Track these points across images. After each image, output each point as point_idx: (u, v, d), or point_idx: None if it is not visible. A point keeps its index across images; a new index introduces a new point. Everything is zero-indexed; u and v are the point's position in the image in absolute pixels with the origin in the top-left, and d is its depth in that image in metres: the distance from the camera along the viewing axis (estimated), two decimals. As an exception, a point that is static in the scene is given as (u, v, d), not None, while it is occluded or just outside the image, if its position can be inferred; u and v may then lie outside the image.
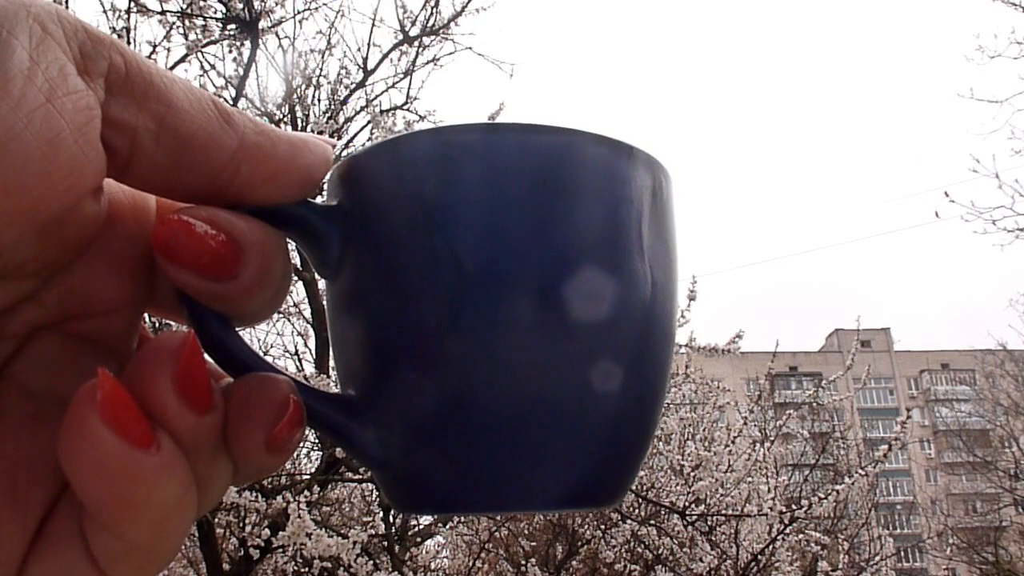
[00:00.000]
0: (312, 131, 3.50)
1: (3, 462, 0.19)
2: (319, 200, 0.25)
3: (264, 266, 0.22)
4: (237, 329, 0.24)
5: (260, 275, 0.22)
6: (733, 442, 5.17)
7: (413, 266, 0.23)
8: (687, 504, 4.37)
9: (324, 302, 0.27)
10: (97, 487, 0.18)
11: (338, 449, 3.75)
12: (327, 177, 0.25)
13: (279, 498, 3.16)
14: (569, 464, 0.23)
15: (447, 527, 4.78)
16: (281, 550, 3.44)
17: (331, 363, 4.69)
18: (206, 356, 0.22)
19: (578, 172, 0.24)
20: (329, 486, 4.34)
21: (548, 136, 0.23)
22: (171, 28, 3.17)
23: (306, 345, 4.74)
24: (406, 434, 0.24)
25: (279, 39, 3.79)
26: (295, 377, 0.23)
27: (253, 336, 4.83)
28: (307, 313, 4.42)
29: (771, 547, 4.72)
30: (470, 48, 4.15)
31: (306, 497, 3.06)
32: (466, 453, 0.23)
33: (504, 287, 0.22)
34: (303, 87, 3.77)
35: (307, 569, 3.45)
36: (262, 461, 0.22)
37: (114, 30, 3.00)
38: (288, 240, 0.24)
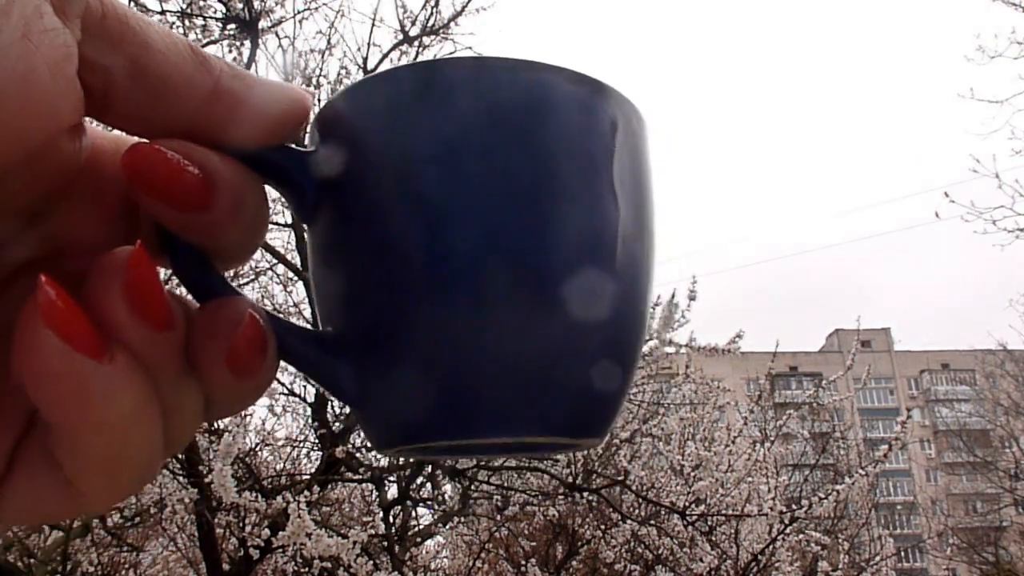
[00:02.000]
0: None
1: None
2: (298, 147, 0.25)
3: (236, 202, 0.22)
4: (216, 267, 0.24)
5: (232, 210, 0.22)
6: (733, 442, 5.16)
7: (385, 208, 0.24)
8: (687, 504, 4.37)
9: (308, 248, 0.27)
10: (49, 397, 0.18)
11: (338, 449, 3.75)
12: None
13: (279, 498, 3.16)
14: (544, 391, 0.23)
15: (447, 527, 4.78)
16: (281, 550, 3.44)
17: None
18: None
19: (551, 109, 0.24)
20: (329, 486, 4.34)
21: (523, 73, 0.24)
22: (171, 28, 3.17)
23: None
24: (380, 369, 0.24)
25: (279, 39, 3.79)
26: (271, 312, 0.24)
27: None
28: (307, 313, 4.42)
29: (771, 547, 4.72)
30: (470, 48, 4.15)
31: (306, 497, 3.06)
32: (441, 382, 0.23)
33: (476, 225, 0.23)
34: (303, 87, 3.76)
35: (307, 569, 3.45)
36: (228, 386, 0.22)
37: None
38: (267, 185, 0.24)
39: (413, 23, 4.12)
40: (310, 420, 4.54)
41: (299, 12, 3.78)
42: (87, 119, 0.21)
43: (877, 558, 7.20)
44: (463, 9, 4.13)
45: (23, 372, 0.18)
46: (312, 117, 0.25)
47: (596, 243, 0.24)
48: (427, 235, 0.23)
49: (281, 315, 0.26)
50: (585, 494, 4.27)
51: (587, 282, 0.24)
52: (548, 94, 0.24)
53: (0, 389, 0.20)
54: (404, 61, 4.12)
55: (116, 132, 0.22)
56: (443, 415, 0.23)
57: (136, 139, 0.22)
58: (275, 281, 4.41)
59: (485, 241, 0.23)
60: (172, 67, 0.21)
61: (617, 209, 0.25)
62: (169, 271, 0.24)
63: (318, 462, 4.18)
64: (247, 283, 4.26)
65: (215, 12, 3.34)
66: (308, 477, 4.00)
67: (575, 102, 0.24)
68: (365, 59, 4.05)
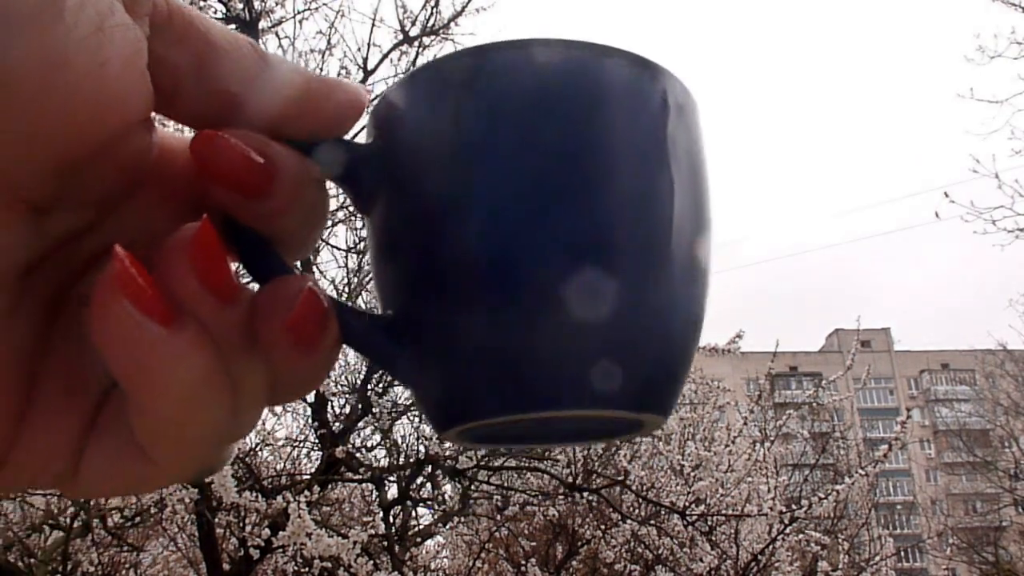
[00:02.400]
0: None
1: (60, 369, 0.21)
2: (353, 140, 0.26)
3: (297, 190, 0.23)
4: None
5: (293, 198, 0.23)
6: (733, 442, 5.17)
7: (441, 200, 0.24)
8: (687, 504, 4.37)
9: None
10: (123, 362, 0.20)
11: (338, 449, 3.75)
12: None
13: (279, 498, 3.16)
14: (616, 371, 0.24)
15: (447, 527, 4.78)
16: (281, 550, 3.44)
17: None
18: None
19: (607, 93, 0.24)
20: (329, 486, 4.34)
21: (575, 53, 0.24)
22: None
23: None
24: (438, 351, 0.24)
25: (279, 39, 3.79)
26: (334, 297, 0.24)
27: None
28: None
29: (771, 547, 4.72)
30: (470, 48, 4.14)
31: (306, 497, 3.06)
32: (497, 361, 0.23)
33: (532, 215, 0.23)
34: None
35: (307, 569, 3.45)
36: (291, 362, 0.22)
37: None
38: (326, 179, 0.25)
39: (413, 23, 4.12)
40: (310, 420, 4.55)
41: (299, 12, 3.78)
42: (157, 120, 0.22)
43: (877, 558, 7.21)
44: (463, 9, 4.13)
45: (99, 340, 0.19)
46: (368, 111, 0.26)
47: (654, 229, 0.24)
48: (484, 226, 0.23)
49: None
50: (585, 494, 4.27)
51: (645, 269, 0.24)
52: (603, 77, 0.24)
53: (81, 364, 0.22)
54: (404, 61, 4.13)
55: (186, 133, 0.23)
56: (499, 390, 0.24)
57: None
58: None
59: (542, 231, 0.23)
60: (232, 63, 0.22)
61: (674, 193, 0.25)
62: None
63: (318, 462, 4.18)
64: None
65: (215, 12, 3.34)
66: (308, 477, 4.00)
67: (630, 85, 0.24)
68: (365, 59, 4.05)
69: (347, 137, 0.25)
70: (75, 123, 0.19)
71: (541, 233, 0.23)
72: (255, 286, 0.24)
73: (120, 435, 0.21)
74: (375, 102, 0.26)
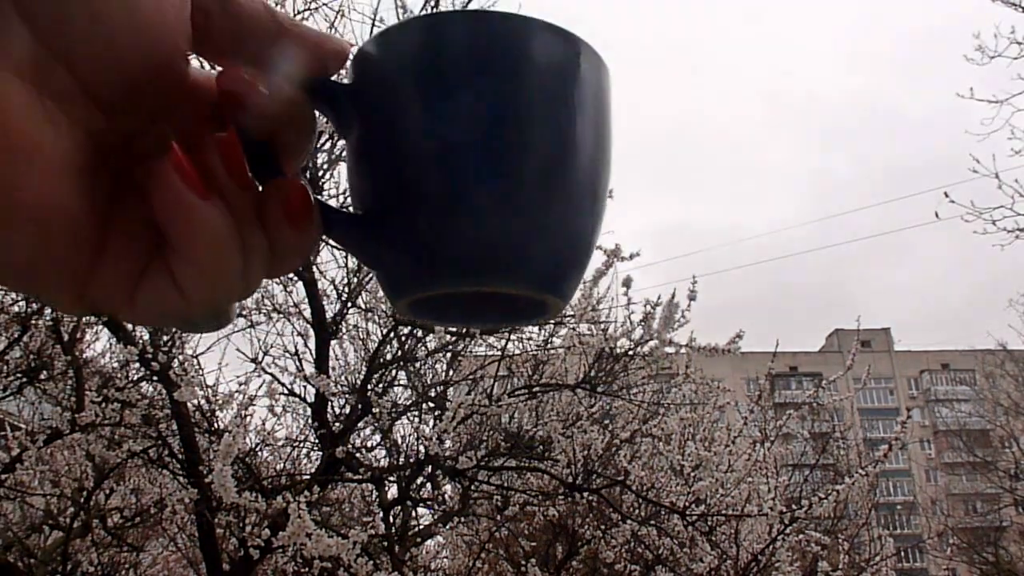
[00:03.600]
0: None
1: (125, 225, 0.29)
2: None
3: (292, 110, 0.31)
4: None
5: (289, 116, 0.31)
6: (733, 442, 5.16)
7: (399, 121, 0.32)
8: (687, 504, 4.37)
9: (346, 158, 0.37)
10: (173, 219, 0.28)
11: (338, 449, 3.75)
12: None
13: (279, 498, 3.16)
14: (525, 255, 0.32)
15: (447, 527, 4.78)
16: (281, 550, 3.43)
17: (331, 363, 4.69)
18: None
19: (530, 50, 0.32)
20: (329, 486, 4.34)
21: (503, 20, 0.32)
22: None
23: (306, 345, 4.73)
24: (392, 235, 0.32)
25: None
26: (317, 198, 0.32)
27: (253, 337, 4.82)
28: (307, 313, 4.42)
29: (771, 547, 4.72)
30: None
31: (306, 497, 3.06)
32: (436, 245, 0.31)
33: (469, 132, 0.31)
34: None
35: (307, 569, 3.45)
36: (286, 236, 0.30)
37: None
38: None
39: (413, 23, 4.11)
40: (310, 420, 4.54)
41: (299, 12, 3.78)
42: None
43: (877, 558, 7.20)
44: (463, 9, 4.13)
45: (157, 204, 0.28)
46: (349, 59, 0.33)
47: (556, 151, 0.32)
48: (428, 147, 0.31)
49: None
50: (585, 494, 4.27)
51: (547, 180, 0.32)
52: (525, 40, 0.32)
53: (138, 226, 0.29)
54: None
55: (205, 73, 0.31)
56: (434, 268, 0.32)
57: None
58: (275, 282, 4.41)
59: (469, 150, 0.31)
60: (251, 11, 0.30)
61: (575, 126, 0.32)
62: None
63: (318, 462, 4.18)
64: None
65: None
66: (308, 477, 4.00)
67: (547, 47, 0.32)
68: (365, 59, 4.04)
69: (333, 78, 0.33)
70: (143, 51, 0.27)
71: (468, 151, 0.31)
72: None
73: (164, 278, 0.29)
74: (355, 51, 0.34)
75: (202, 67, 0.32)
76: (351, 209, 0.35)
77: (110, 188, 0.29)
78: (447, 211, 0.31)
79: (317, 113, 0.33)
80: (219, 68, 0.31)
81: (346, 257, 4.28)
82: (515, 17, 0.32)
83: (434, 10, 4.08)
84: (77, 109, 0.27)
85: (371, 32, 5.07)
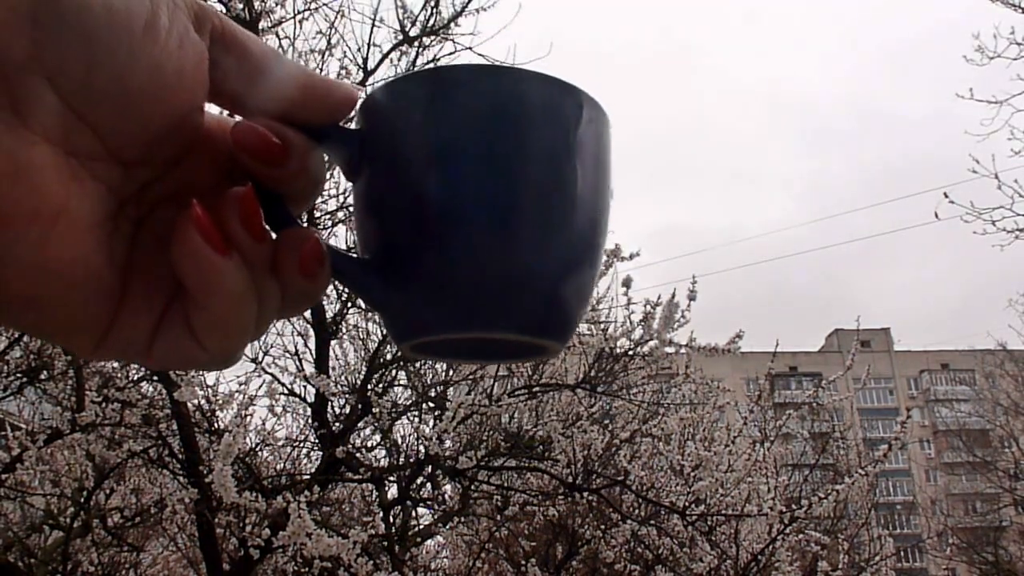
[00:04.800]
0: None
1: (142, 274, 0.30)
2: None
3: (303, 161, 0.32)
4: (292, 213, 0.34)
5: (301, 167, 0.32)
6: (733, 442, 5.16)
7: (407, 170, 0.33)
8: (687, 504, 4.37)
9: (353, 201, 0.37)
10: (194, 274, 0.29)
11: (338, 449, 3.75)
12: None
13: (279, 498, 3.16)
14: (524, 304, 0.33)
15: (447, 527, 4.78)
16: (281, 550, 3.44)
17: (331, 363, 4.69)
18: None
19: (532, 104, 0.33)
20: (329, 486, 4.34)
21: (507, 76, 0.33)
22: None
23: (306, 345, 4.73)
24: (399, 280, 0.33)
25: (279, 39, 3.79)
26: (329, 243, 0.34)
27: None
28: (307, 314, 4.42)
29: (771, 547, 4.72)
30: (470, 48, 4.15)
31: (306, 497, 3.06)
32: (442, 292, 0.32)
33: (472, 181, 0.32)
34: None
35: (307, 569, 3.45)
36: (298, 283, 0.32)
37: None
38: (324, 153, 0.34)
39: (413, 23, 4.12)
40: (310, 420, 4.54)
41: (299, 12, 3.78)
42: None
43: (877, 558, 7.20)
44: (463, 9, 4.13)
45: (177, 258, 0.29)
46: (358, 105, 0.35)
47: (558, 202, 0.33)
48: (434, 194, 0.32)
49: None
50: (585, 494, 4.27)
51: (548, 231, 0.33)
52: (529, 95, 0.33)
53: (156, 274, 0.31)
54: (404, 61, 4.13)
55: (216, 113, 0.32)
56: (448, 317, 0.33)
57: (235, 118, 0.32)
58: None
59: (475, 199, 0.32)
60: (264, 62, 0.32)
61: (576, 177, 0.33)
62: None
63: (318, 462, 4.18)
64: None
65: (215, 12, 3.33)
66: (308, 477, 4.00)
67: (551, 101, 0.33)
68: (365, 59, 4.05)
69: (342, 124, 0.34)
70: (165, 110, 0.29)
71: (474, 201, 0.32)
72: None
73: (181, 327, 0.31)
74: (364, 98, 0.35)
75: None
76: (355, 253, 0.36)
77: (128, 236, 0.30)
78: (451, 259, 0.32)
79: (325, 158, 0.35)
80: (234, 115, 0.32)
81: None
82: (520, 72, 0.33)
83: (435, 11, 4.08)
84: (99, 166, 0.28)
85: (371, 34, 5.07)
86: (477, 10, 4.15)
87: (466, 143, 0.32)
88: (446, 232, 0.32)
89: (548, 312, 0.34)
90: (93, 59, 0.26)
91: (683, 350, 4.72)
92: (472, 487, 4.45)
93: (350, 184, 0.37)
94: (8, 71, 0.25)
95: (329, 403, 4.34)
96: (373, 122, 0.34)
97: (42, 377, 4.10)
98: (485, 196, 0.32)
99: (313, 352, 4.37)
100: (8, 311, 0.28)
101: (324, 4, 3.85)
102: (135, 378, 4.10)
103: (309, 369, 4.30)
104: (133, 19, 0.27)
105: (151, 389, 4.20)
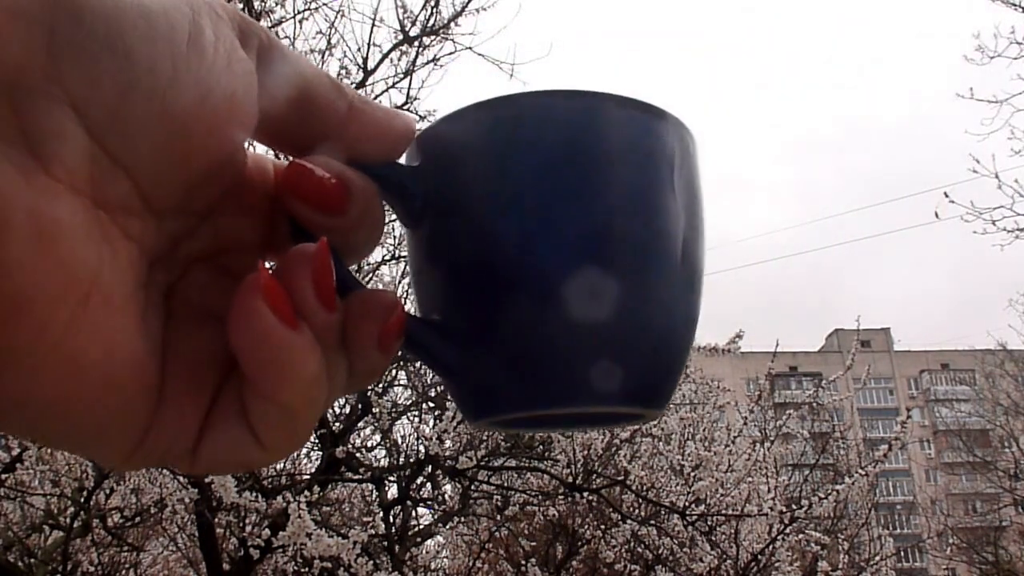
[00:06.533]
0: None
1: (180, 357, 0.24)
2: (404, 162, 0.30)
3: (366, 207, 0.26)
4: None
5: (363, 214, 0.26)
6: (733, 442, 5.16)
7: (485, 217, 0.28)
8: (687, 504, 4.38)
9: (408, 248, 0.33)
10: (260, 358, 0.23)
11: (338, 449, 3.75)
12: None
13: (279, 498, 3.16)
14: (619, 370, 0.28)
15: (447, 527, 4.78)
16: (281, 550, 3.44)
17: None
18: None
19: (621, 137, 0.28)
20: (329, 486, 4.34)
21: (592, 104, 0.28)
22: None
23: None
24: (483, 349, 0.29)
25: (279, 39, 3.78)
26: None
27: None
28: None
29: (771, 547, 4.72)
30: (470, 48, 4.15)
31: (306, 497, 3.06)
32: (533, 362, 0.28)
33: (561, 234, 0.27)
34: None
35: (307, 569, 3.45)
36: (373, 358, 0.26)
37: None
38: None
39: (413, 23, 4.12)
40: (310, 420, 4.54)
41: (299, 12, 3.78)
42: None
43: (877, 558, 7.21)
44: (463, 9, 4.13)
45: (237, 337, 0.23)
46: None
47: (657, 252, 0.29)
48: (516, 242, 0.28)
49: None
50: (585, 494, 4.27)
51: (658, 287, 0.28)
52: (612, 123, 0.28)
53: (198, 357, 0.25)
54: (404, 61, 4.13)
55: (252, 155, 0.27)
56: (525, 388, 0.28)
57: (269, 157, 0.27)
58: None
59: (566, 255, 0.27)
60: (317, 91, 0.26)
61: (678, 215, 0.29)
62: None
63: (318, 462, 4.18)
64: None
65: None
66: (308, 477, 4.00)
67: (638, 128, 0.29)
68: (365, 59, 4.05)
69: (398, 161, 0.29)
70: (212, 142, 0.23)
71: (565, 256, 0.27)
72: None
73: (236, 422, 0.24)
74: (426, 130, 0.30)
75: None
76: (417, 312, 0.31)
77: (160, 308, 0.24)
78: (546, 324, 0.27)
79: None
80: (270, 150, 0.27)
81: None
82: (606, 97, 0.29)
83: (435, 11, 4.08)
84: (133, 220, 0.22)
85: (371, 34, 5.07)
86: (477, 10, 4.15)
87: (552, 190, 0.27)
88: (529, 293, 0.27)
89: (652, 378, 0.29)
90: (130, 80, 0.21)
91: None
92: (472, 487, 4.45)
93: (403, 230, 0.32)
94: (20, 98, 0.19)
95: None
96: (441, 159, 0.29)
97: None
98: (586, 249, 0.27)
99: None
100: (23, 421, 0.21)
101: (324, 4, 3.85)
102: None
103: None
104: (176, 29, 0.22)
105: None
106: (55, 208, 0.20)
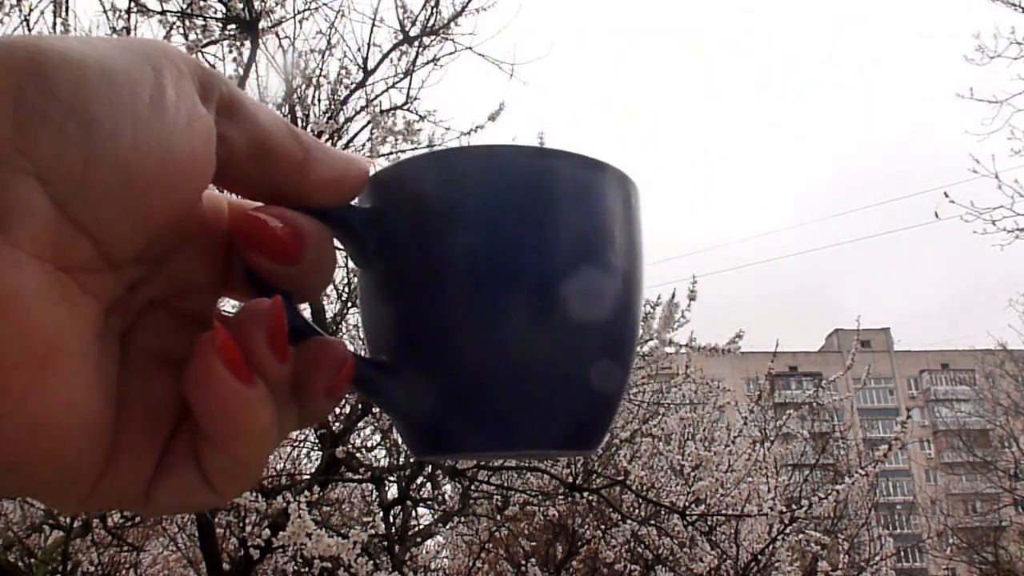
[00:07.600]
0: (312, 131, 3.51)
1: (135, 404, 0.25)
2: (357, 204, 0.31)
3: (320, 254, 0.27)
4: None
5: (317, 261, 0.27)
6: (733, 442, 5.16)
7: (435, 261, 0.29)
8: (687, 504, 4.37)
9: (358, 287, 0.33)
10: (216, 413, 0.24)
11: (338, 449, 3.74)
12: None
13: (279, 498, 3.16)
14: (555, 416, 0.29)
15: (447, 527, 4.78)
16: (281, 550, 3.43)
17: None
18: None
19: (564, 188, 0.30)
20: (329, 486, 4.34)
21: (539, 159, 0.30)
22: (171, 28, 3.17)
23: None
24: (427, 390, 0.29)
25: (279, 39, 3.79)
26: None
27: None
28: (307, 314, 4.41)
29: (771, 547, 4.72)
30: (470, 48, 4.14)
31: (306, 497, 3.06)
32: (474, 406, 0.29)
33: (507, 278, 0.28)
34: (303, 87, 3.76)
35: (307, 569, 3.45)
36: (321, 405, 0.27)
37: (114, 30, 2.99)
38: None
39: (413, 23, 4.12)
40: (310, 420, 4.54)
41: (299, 12, 3.78)
42: None
43: (877, 558, 7.20)
44: (463, 9, 4.13)
45: (192, 392, 0.24)
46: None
47: (594, 301, 0.30)
48: (460, 289, 0.28)
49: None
50: (585, 494, 4.27)
51: (597, 329, 0.29)
52: (558, 178, 0.30)
53: (151, 402, 0.25)
54: (404, 61, 4.12)
55: (207, 193, 0.27)
56: (474, 434, 0.29)
57: (223, 195, 0.28)
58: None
59: (507, 307, 0.28)
60: (275, 140, 0.27)
61: (618, 268, 0.30)
62: None
63: (318, 462, 4.18)
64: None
65: (215, 12, 3.34)
66: (308, 477, 4.00)
67: (585, 184, 0.30)
68: (365, 59, 4.05)
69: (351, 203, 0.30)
70: (172, 199, 0.23)
71: (507, 306, 0.28)
72: None
73: (187, 465, 0.25)
74: (379, 172, 0.31)
75: None
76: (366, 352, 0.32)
77: (114, 355, 0.24)
78: (493, 365, 0.28)
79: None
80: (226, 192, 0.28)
81: (346, 258, 4.27)
82: (553, 153, 0.30)
83: (435, 11, 4.08)
84: (92, 277, 0.23)
85: (371, 34, 5.07)
86: (477, 10, 4.15)
87: (497, 240, 0.28)
88: (479, 340, 0.28)
89: (594, 421, 0.31)
90: (93, 148, 0.21)
91: (683, 350, 4.72)
92: (472, 487, 4.45)
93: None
94: None
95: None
96: (395, 203, 0.30)
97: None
98: (527, 300, 0.28)
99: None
100: None
101: (324, 4, 3.85)
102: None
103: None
104: (137, 92, 0.22)
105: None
106: (18, 277, 0.20)
